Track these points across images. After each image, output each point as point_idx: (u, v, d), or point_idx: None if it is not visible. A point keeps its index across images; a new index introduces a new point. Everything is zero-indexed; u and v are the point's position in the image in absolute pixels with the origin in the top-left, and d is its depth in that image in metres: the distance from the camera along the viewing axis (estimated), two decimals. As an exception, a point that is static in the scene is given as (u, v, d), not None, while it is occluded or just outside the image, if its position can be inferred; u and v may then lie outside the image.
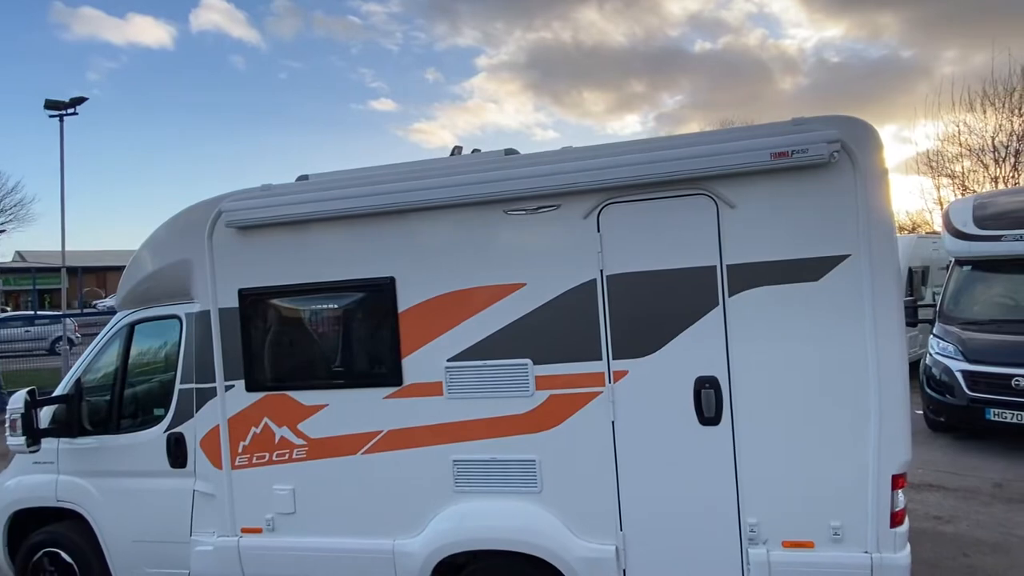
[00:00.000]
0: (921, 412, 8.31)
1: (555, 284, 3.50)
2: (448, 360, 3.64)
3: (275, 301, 3.95)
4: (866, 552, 3.15)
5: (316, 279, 3.83)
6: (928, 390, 7.84)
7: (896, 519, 3.14)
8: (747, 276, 3.25)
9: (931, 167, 21.02)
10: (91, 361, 4.55)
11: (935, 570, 4.75)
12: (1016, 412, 6.97)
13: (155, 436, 4.27)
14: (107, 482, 4.42)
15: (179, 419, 4.22)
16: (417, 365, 3.70)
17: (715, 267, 3.29)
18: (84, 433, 4.44)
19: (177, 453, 4.20)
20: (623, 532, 3.44)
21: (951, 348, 7.69)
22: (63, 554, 4.52)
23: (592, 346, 3.44)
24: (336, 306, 3.90)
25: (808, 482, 3.21)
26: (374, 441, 3.79)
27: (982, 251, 8.09)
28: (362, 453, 3.81)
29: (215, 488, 4.05)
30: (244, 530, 4.00)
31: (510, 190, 3.46)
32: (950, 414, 7.56)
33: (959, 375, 7.43)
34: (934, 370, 7.78)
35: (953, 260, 8.65)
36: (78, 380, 4.46)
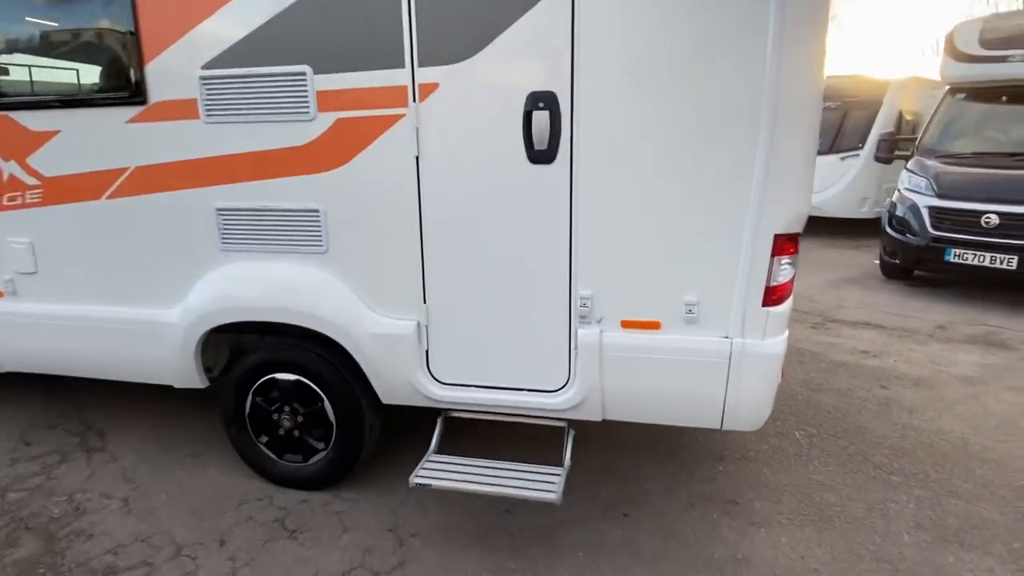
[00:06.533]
0: (877, 262, 7.57)
1: (340, -51, 2.39)
2: (203, 67, 2.62)
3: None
4: (726, 337, 2.37)
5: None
6: (888, 229, 7.01)
7: (773, 295, 2.32)
8: (607, -69, 2.16)
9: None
10: None
11: (843, 399, 4.12)
12: (979, 253, 6.16)
13: None
14: None
15: None
16: (165, 75, 2.68)
17: (562, -84, 2.19)
18: None
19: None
20: (427, 305, 2.63)
21: (923, 183, 6.73)
22: None
23: (392, 46, 2.41)
24: (53, -14, 2.78)
25: (663, 247, 2.35)
26: (120, 181, 2.85)
27: (982, 74, 6.92)
28: (107, 198, 2.89)
29: (-60, 241, 3.17)
30: (-21, 293, 3.18)
31: None
32: (907, 255, 6.77)
33: (925, 212, 6.54)
34: (899, 207, 6.88)
35: (946, 90, 7.49)
36: None
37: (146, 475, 3.19)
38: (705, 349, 2.37)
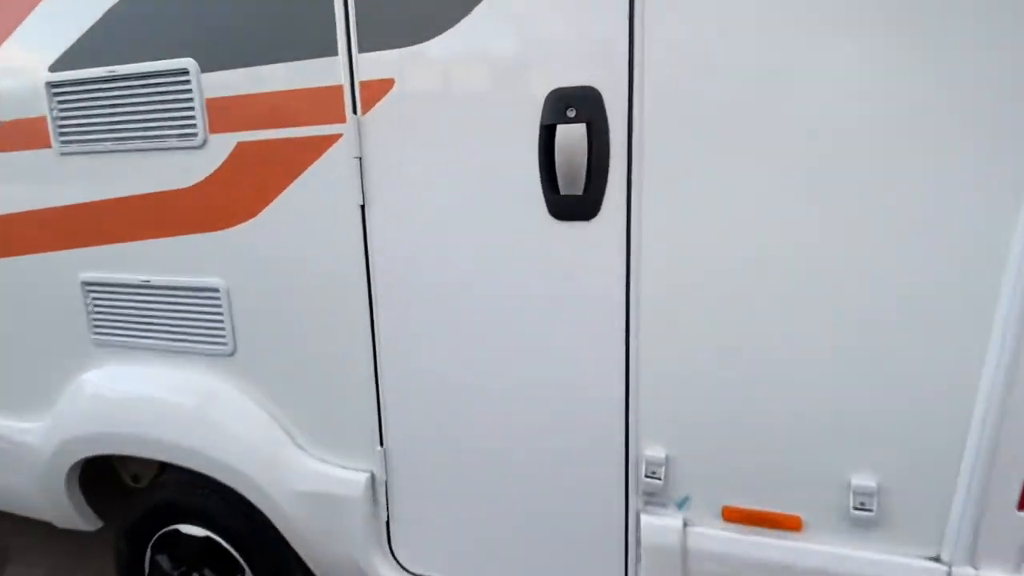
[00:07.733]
0: None
1: None
2: (51, 69, 1.69)
3: None
4: (936, 558, 1.21)
5: None
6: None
7: (1040, 486, 1.15)
8: None
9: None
10: None
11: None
12: None
13: None
14: None
15: None
16: (5, 82, 1.78)
17: None
18: None
19: None
20: (385, 448, 1.59)
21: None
22: None
23: (315, 20, 1.40)
24: None
25: (806, 378, 1.22)
26: (-36, 240, 1.97)
27: None
28: (-50, 262, 2.01)
29: None
30: None
31: None
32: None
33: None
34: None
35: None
36: None
37: (23, 645, 2.28)
38: (892, 580, 1.22)
